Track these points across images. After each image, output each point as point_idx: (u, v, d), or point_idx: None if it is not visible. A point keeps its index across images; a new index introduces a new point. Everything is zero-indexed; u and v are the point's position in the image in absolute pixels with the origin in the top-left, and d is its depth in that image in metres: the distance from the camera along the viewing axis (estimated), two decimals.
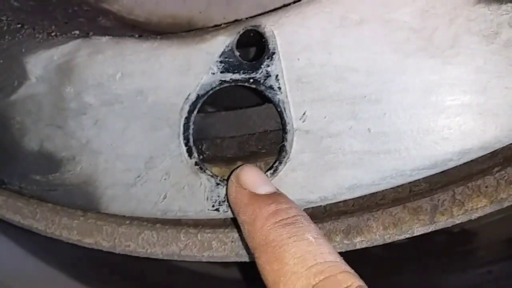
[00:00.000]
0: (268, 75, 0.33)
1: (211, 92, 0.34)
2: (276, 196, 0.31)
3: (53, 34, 0.36)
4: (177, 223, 0.40)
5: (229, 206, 0.34)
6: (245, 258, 0.38)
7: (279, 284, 0.27)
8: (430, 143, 0.31)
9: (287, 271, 0.27)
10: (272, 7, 0.33)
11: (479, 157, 0.32)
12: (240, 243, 0.38)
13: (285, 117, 0.33)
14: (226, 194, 0.34)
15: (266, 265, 0.28)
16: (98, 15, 0.36)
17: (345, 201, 0.35)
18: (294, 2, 0.32)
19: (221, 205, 0.35)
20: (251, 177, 0.32)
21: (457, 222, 0.34)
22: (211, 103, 0.42)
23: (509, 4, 0.29)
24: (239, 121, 0.38)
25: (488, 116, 0.30)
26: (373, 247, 0.35)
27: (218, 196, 0.35)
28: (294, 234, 0.28)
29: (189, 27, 0.36)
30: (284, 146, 0.33)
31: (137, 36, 0.35)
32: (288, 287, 0.26)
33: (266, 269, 0.28)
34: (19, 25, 0.37)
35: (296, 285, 0.26)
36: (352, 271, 0.27)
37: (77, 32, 0.36)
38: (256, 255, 0.29)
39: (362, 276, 0.27)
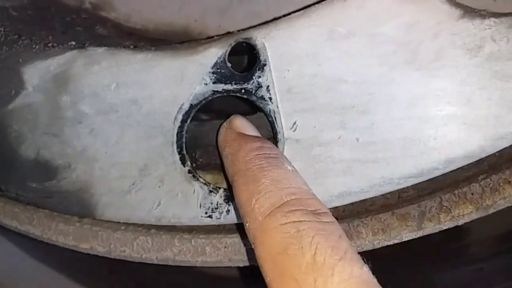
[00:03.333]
0: (259, 86, 0.33)
1: (203, 102, 0.35)
2: (262, 138, 0.33)
3: (49, 45, 0.37)
4: (172, 229, 0.40)
5: (217, 147, 0.35)
6: (238, 263, 0.39)
7: (252, 200, 0.27)
8: (417, 152, 0.32)
9: (262, 189, 0.27)
10: (265, 17, 0.34)
11: (465, 165, 0.33)
12: (234, 248, 0.39)
13: (276, 127, 0.34)
14: (216, 139, 0.35)
15: (242, 185, 0.29)
16: (96, 23, 0.36)
17: (335, 207, 0.36)
18: (284, 16, 0.32)
19: (214, 212, 0.36)
20: (242, 122, 0.34)
21: (444, 228, 0.35)
22: (205, 110, 0.43)
23: (491, 19, 0.30)
24: None
25: (473, 126, 0.31)
26: None
27: (211, 203, 0.36)
28: (274, 164, 0.29)
29: (185, 35, 0.36)
30: None
31: (132, 47, 0.36)
32: (260, 202, 0.27)
33: (241, 189, 0.29)
34: (16, 36, 0.37)
35: (268, 200, 0.27)
36: (322, 202, 0.28)
37: (73, 43, 0.36)
38: (235, 179, 0.30)
39: None
